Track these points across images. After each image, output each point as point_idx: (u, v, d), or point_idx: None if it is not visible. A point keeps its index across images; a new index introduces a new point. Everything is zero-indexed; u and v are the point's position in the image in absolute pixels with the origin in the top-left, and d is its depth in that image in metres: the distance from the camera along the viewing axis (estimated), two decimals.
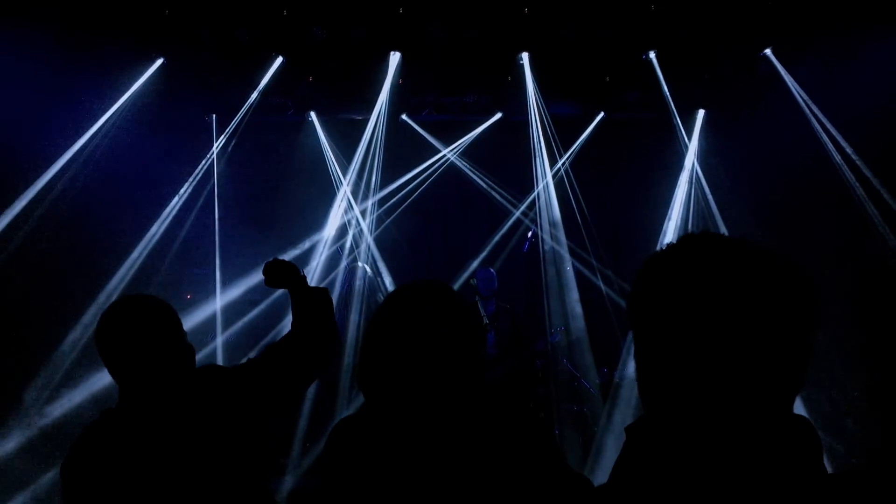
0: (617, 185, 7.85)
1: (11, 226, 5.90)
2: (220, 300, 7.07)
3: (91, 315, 5.98)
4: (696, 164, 7.67)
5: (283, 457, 6.17)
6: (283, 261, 2.48)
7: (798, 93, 6.86)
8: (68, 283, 5.84)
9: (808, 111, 6.79)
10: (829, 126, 6.62)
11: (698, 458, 0.94)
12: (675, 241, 1.04)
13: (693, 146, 7.74)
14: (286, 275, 2.45)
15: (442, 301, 1.69)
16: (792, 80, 6.85)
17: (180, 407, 2.04)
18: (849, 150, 6.45)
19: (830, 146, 6.61)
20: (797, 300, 0.95)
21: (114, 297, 6.17)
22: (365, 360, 1.69)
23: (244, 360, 2.31)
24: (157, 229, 6.93)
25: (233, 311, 7.14)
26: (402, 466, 1.55)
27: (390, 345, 1.63)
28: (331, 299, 2.48)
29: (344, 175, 7.97)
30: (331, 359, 2.43)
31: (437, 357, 1.61)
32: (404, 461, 1.55)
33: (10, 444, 5.11)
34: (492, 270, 6.15)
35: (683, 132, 7.66)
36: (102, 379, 5.48)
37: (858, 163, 6.41)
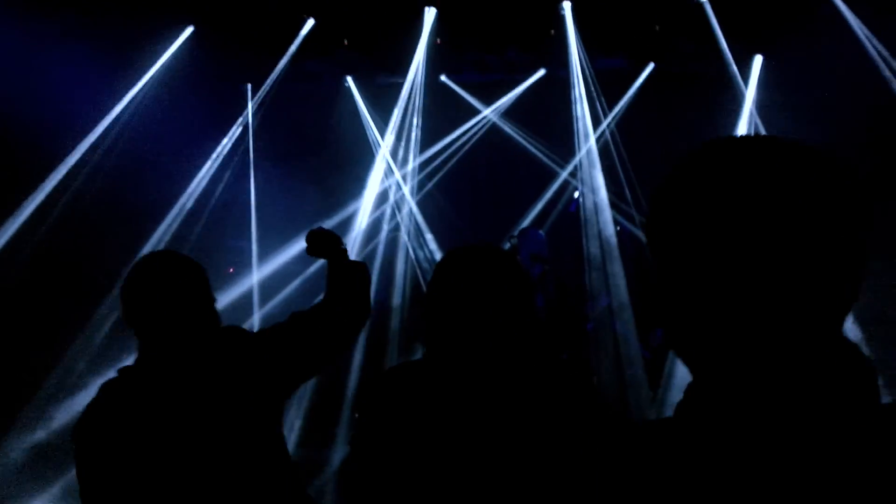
0: (668, 142, 7.47)
1: (50, 198, 5.95)
2: (257, 274, 7.02)
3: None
4: (754, 115, 7.22)
5: (333, 426, 6.16)
6: (327, 230, 2.42)
7: (863, 33, 6.36)
8: (103, 255, 5.86)
9: (873, 52, 6.30)
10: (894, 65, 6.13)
11: (747, 404, 0.78)
12: (695, 149, 0.86)
13: (750, 96, 7.27)
14: (328, 244, 2.38)
15: (497, 262, 1.78)
16: (856, 19, 6.34)
17: (199, 368, 1.98)
18: None
19: None
20: (842, 196, 0.78)
21: None
22: (428, 316, 1.79)
23: (273, 324, 2.23)
24: (186, 200, 6.87)
25: (271, 286, 7.05)
26: (453, 412, 1.64)
27: (451, 302, 1.74)
28: (369, 275, 2.41)
29: (383, 140, 7.79)
30: (358, 334, 2.35)
31: (492, 313, 1.71)
32: (456, 407, 1.64)
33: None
34: (541, 233, 5.93)
35: (741, 81, 7.19)
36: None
37: None
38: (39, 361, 5.10)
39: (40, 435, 4.98)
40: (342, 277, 2.34)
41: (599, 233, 7.27)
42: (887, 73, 6.23)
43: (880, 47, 6.29)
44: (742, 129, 7.33)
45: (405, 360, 2.21)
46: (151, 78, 6.65)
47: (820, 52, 6.47)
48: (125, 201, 6.17)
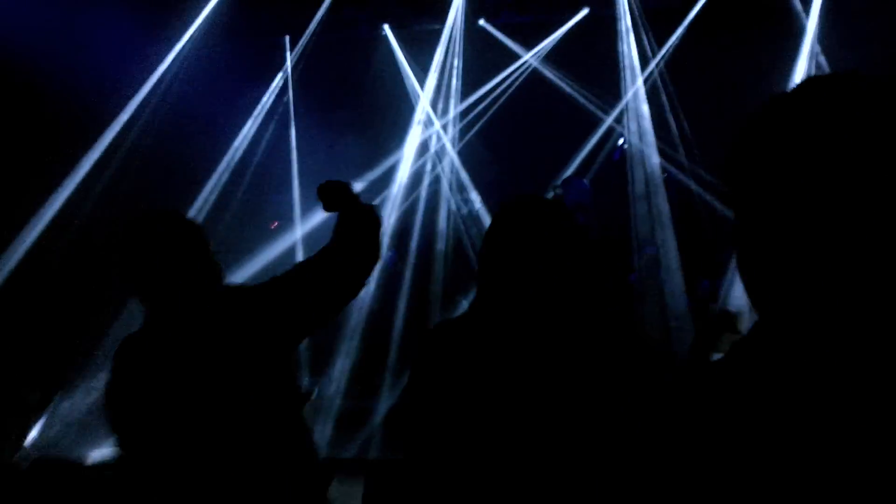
0: (720, 82, 7.07)
1: (100, 162, 6.09)
2: (300, 227, 7.08)
3: None
4: (816, 48, 6.75)
5: (379, 376, 6.25)
6: (336, 181, 2.36)
7: None
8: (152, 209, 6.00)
9: None
10: None
11: (818, 348, 0.73)
12: (784, 92, 0.81)
13: (812, 28, 6.79)
14: (341, 196, 2.33)
15: (551, 215, 1.78)
16: None
17: (204, 328, 1.99)
18: None
19: None
20: None
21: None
22: (482, 268, 1.80)
23: (271, 278, 2.20)
24: (232, 156, 6.96)
25: (315, 239, 7.11)
26: (503, 363, 1.66)
27: (504, 254, 1.75)
28: (378, 217, 2.34)
29: (422, 88, 7.63)
30: (365, 280, 2.28)
31: (545, 267, 1.72)
32: (506, 358, 1.66)
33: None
34: (585, 182, 5.77)
35: (801, 11, 6.72)
36: None
37: None
38: (95, 322, 5.29)
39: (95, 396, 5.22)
40: (354, 223, 2.29)
41: (646, 178, 7.03)
42: None
43: None
44: (802, 65, 6.89)
45: (451, 316, 2.25)
46: (191, 36, 6.70)
47: None
48: (173, 160, 6.29)
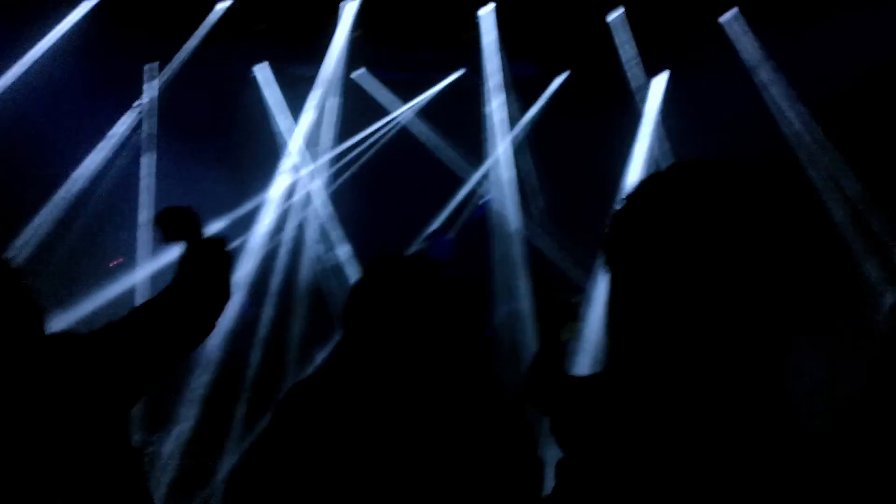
0: (576, 150, 7.60)
1: None
2: (145, 267, 6.61)
3: None
4: (658, 126, 7.46)
5: (224, 437, 5.89)
6: (178, 207, 2.15)
7: (761, 55, 6.69)
8: None
9: (768, 75, 6.63)
10: (789, 90, 6.49)
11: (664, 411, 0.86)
12: (661, 169, 0.94)
13: (654, 108, 7.49)
14: (184, 224, 2.12)
15: (423, 277, 1.78)
16: (755, 41, 6.66)
17: (19, 384, 1.75)
18: (809, 116, 6.34)
19: (789, 111, 6.48)
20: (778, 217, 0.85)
21: (23, 254, 5.75)
22: (349, 332, 1.77)
23: (106, 323, 1.97)
24: (73, 184, 6.40)
25: (161, 281, 6.67)
26: (363, 420, 1.63)
27: (371, 310, 1.73)
28: (229, 253, 2.16)
29: (291, 135, 7.50)
30: (213, 324, 2.08)
31: (411, 322, 1.71)
32: (367, 416, 1.63)
33: None
34: (447, 238, 5.92)
35: (647, 94, 7.40)
36: None
37: (817, 130, 6.31)
38: None
39: None
40: (197, 257, 2.07)
41: (505, 238, 7.31)
42: (783, 100, 6.56)
43: (776, 69, 6.62)
44: (644, 139, 7.55)
45: (305, 371, 2.21)
46: (44, 50, 6.16)
47: (722, 72, 6.78)
48: (3, 184, 5.69)
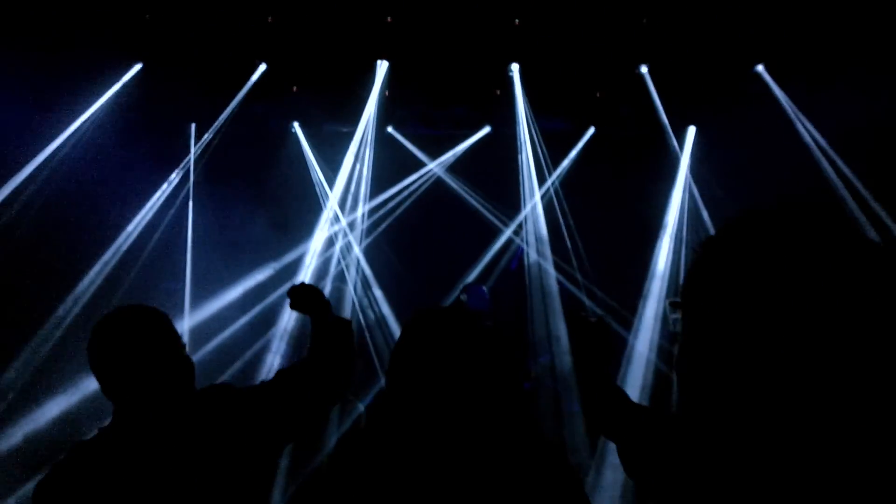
0: (608, 202, 7.71)
1: None
2: (188, 319, 6.74)
3: (51, 327, 5.72)
4: (689, 179, 7.57)
5: (268, 490, 5.85)
6: (308, 285, 2.42)
7: (790, 109, 6.83)
8: (30, 292, 5.57)
9: (800, 127, 6.75)
10: (820, 141, 6.60)
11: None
12: (759, 212, 0.88)
13: (685, 161, 7.63)
14: (310, 299, 2.37)
15: (465, 329, 1.78)
16: (784, 95, 6.81)
17: (179, 429, 1.89)
18: (841, 164, 6.42)
19: (824, 162, 6.58)
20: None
21: (75, 309, 5.92)
22: (393, 384, 1.77)
23: (258, 382, 2.24)
24: (125, 239, 6.64)
25: (204, 331, 6.74)
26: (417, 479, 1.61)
27: (418, 371, 1.72)
28: (352, 330, 2.41)
29: (329, 188, 7.73)
30: (346, 389, 2.36)
31: (459, 375, 1.70)
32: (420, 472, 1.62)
33: None
34: (483, 289, 5.98)
35: (677, 147, 7.56)
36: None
37: (851, 177, 6.39)
38: None
39: None
40: (326, 334, 2.31)
41: (542, 289, 7.36)
42: (815, 150, 6.67)
43: (807, 123, 6.75)
44: (677, 193, 7.65)
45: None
46: (95, 113, 6.49)
47: (750, 125, 6.91)
48: (59, 240, 5.90)
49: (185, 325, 6.71)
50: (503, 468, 1.64)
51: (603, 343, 1.95)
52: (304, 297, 2.37)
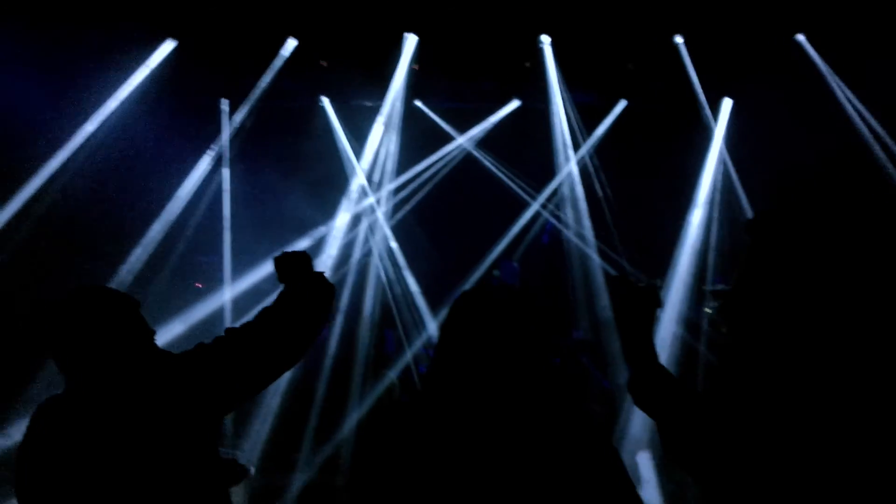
0: (639, 176, 7.61)
1: (22, 212, 5.82)
2: (229, 290, 6.88)
3: None
4: (723, 153, 7.42)
5: (294, 452, 6.01)
6: (294, 252, 2.32)
7: (832, 79, 6.62)
8: (78, 270, 5.73)
9: (842, 98, 6.55)
10: (865, 113, 6.37)
11: None
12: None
13: (719, 135, 7.48)
14: (299, 267, 2.28)
15: (508, 309, 1.85)
16: (825, 65, 6.60)
17: (132, 395, 1.93)
18: (887, 138, 6.21)
19: (867, 134, 6.36)
20: None
21: (125, 286, 6.07)
22: (438, 363, 1.85)
23: (197, 344, 2.12)
24: (167, 216, 6.79)
25: (243, 302, 6.89)
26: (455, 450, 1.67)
27: (463, 351, 1.80)
28: (328, 287, 2.28)
29: (357, 162, 7.75)
30: (303, 355, 2.19)
31: (503, 359, 1.78)
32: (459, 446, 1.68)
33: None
34: (515, 265, 5.97)
35: (711, 119, 7.41)
36: None
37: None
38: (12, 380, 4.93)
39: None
40: (307, 294, 2.22)
41: (580, 263, 7.32)
42: (857, 119, 6.47)
43: (850, 94, 6.54)
44: (710, 166, 7.52)
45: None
46: (131, 91, 6.58)
47: (789, 96, 6.71)
48: (101, 218, 6.06)
49: (226, 296, 6.88)
50: (536, 440, 1.69)
51: (650, 311, 1.88)
52: (291, 265, 2.28)
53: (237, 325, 2.15)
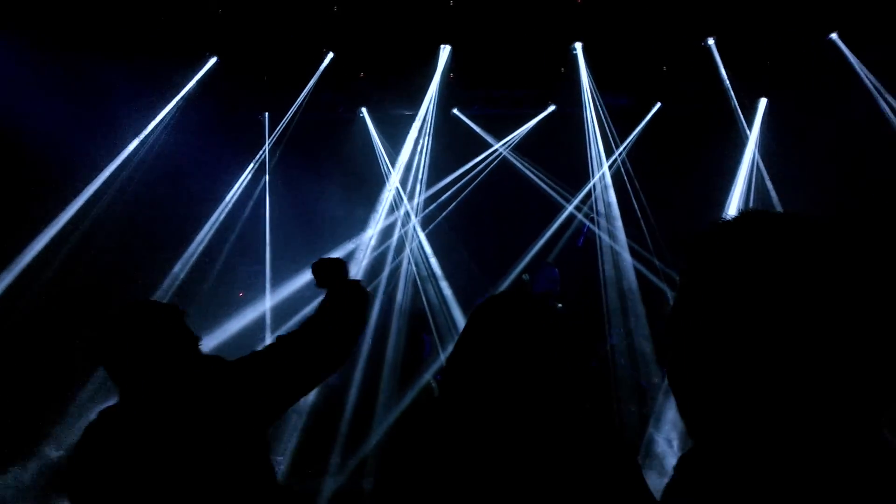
0: (674, 178, 7.56)
1: (70, 224, 6.06)
2: (270, 298, 7.10)
3: None
4: (756, 155, 7.34)
5: (325, 457, 6.11)
6: (330, 259, 2.42)
7: (868, 78, 6.49)
8: (126, 281, 5.97)
9: (879, 97, 6.41)
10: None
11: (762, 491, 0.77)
12: (724, 220, 0.87)
13: (754, 137, 7.41)
14: (335, 272, 2.39)
15: (533, 316, 1.80)
16: (860, 64, 6.48)
17: (181, 404, 2.00)
18: None
19: None
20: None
21: (168, 296, 6.31)
22: (455, 369, 1.81)
23: (251, 352, 2.21)
24: (210, 226, 7.06)
25: (283, 309, 7.06)
26: (479, 458, 1.62)
27: (483, 357, 1.75)
28: (366, 296, 2.39)
29: (394, 170, 7.92)
30: (346, 358, 2.29)
31: (526, 370, 1.72)
32: (482, 454, 1.63)
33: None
34: (555, 270, 5.92)
35: (744, 122, 7.35)
36: None
37: None
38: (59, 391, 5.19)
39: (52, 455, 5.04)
40: (346, 300, 2.31)
41: (615, 266, 7.32)
42: (892, 116, 6.32)
43: (888, 97, 6.40)
44: (744, 168, 7.44)
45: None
46: (174, 106, 6.86)
47: (823, 95, 6.60)
48: (144, 229, 6.31)
49: (266, 304, 7.10)
50: (554, 451, 1.64)
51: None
52: (328, 271, 2.36)
53: (285, 333, 2.25)
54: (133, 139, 6.64)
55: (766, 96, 7.47)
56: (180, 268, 6.66)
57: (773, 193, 7.12)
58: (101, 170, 6.41)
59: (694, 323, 0.84)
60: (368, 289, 2.50)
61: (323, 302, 2.32)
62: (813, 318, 0.76)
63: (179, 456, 1.91)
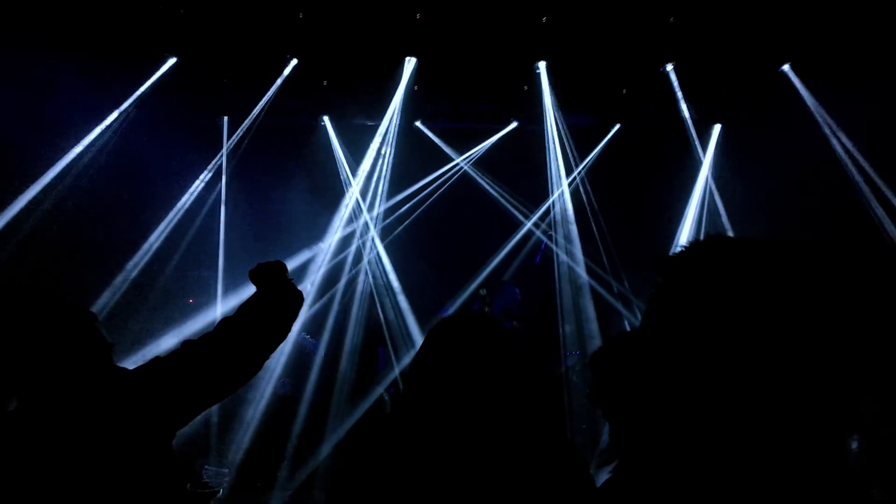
0: (631, 198, 7.72)
1: (14, 223, 5.86)
2: (220, 305, 6.95)
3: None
4: (709, 178, 7.56)
5: (275, 470, 5.99)
6: (269, 262, 2.34)
7: (816, 110, 6.75)
8: (70, 282, 5.77)
9: (826, 129, 6.67)
10: (847, 143, 6.50)
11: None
12: (694, 242, 0.91)
13: (708, 161, 7.63)
14: (272, 274, 2.29)
15: (486, 336, 1.83)
16: (810, 95, 6.74)
17: (76, 409, 1.90)
18: (868, 168, 6.33)
19: (849, 165, 6.49)
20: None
21: (114, 301, 6.12)
22: (410, 388, 1.84)
23: (154, 358, 2.09)
24: (162, 230, 6.89)
25: None
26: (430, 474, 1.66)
27: (438, 376, 1.79)
28: (295, 298, 2.28)
29: (354, 180, 7.88)
30: (258, 368, 2.15)
31: (479, 385, 1.76)
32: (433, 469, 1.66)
33: None
34: (517, 290, 5.93)
35: (699, 146, 7.56)
36: None
37: (878, 181, 6.29)
38: None
39: None
40: (268, 299, 2.19)
41: (572, 285, 7.39)
42: (839, 149, 6.59)
43: (833, 125, 6.67)
44: (697, 191, 7.64)
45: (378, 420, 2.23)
46: (130, 105, 6.69)
47: (774, 124, 6.84)
48: (93, 230, 6.12)
49: (217, 311, 6.94)
50: (504, 468, 1.67)
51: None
52: (267, 276, 2.27)
53: (195, 337, 2.12)
54: (83, 138, 6.44)
55: (720, 122, 7.69)
56: (126, 273, 6.46)
57: (724, 216, 7.32)
58: (44, 171, 6.18)
59: (668, 337, 0.87)
60: (305, 292, 2.42)
61: (246, 301, 2.19)
62: (780, 333, 0.80)
63: (67, 463, 1.82)
